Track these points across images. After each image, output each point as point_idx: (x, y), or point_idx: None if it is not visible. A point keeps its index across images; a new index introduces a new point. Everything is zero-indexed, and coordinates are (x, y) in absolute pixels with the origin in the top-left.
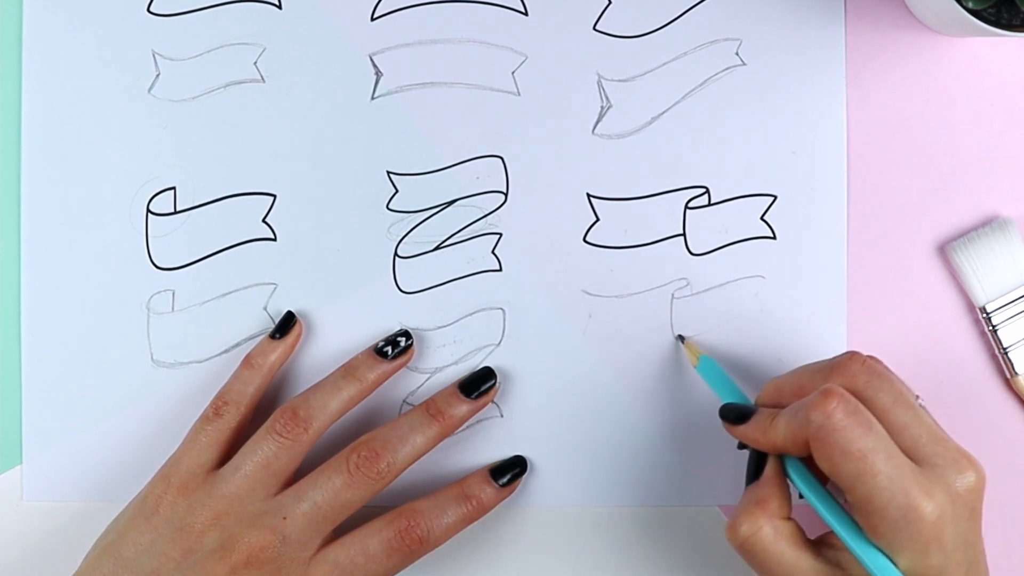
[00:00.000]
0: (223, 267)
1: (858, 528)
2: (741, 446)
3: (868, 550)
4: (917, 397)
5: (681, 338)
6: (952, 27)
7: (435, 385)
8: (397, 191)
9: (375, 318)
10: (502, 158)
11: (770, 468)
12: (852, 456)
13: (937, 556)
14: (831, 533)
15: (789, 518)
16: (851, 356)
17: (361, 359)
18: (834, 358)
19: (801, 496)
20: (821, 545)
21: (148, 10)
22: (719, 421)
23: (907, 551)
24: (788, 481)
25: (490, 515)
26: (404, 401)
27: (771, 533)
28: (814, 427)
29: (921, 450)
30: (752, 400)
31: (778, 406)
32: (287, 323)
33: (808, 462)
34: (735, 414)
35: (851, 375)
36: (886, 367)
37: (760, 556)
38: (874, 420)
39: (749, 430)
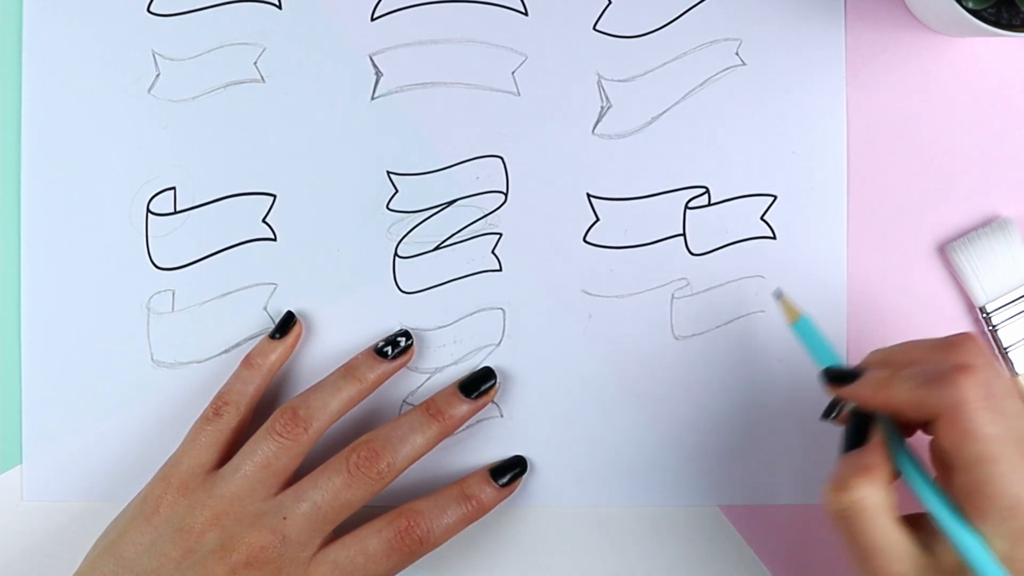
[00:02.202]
0: (223, 267)
1: (955, 511)
2: (825, 415)
3: (965, 534)
4: None
5: (779, 294)
6: (952, 27)
7: (435, 385)
8: (397, 191)
9: (375, 318)
10: (502, 158)
11: (878, 436)
12: (980, 439)
13: None
14: (921, 516)
15: (891, 486)
16: (967, 336)
17: (361, 359)
18: (949, 336)
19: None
20: (915, 523)
21: (148, 10)
22: (718, 422)
23: (1004, 541)
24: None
25: (490, 515)
26: (404, 401)
27: (876, 503)
28: (947, 402)
29: None
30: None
31: None
32: (287, 323)
33: (901, 428)
34: (843, 373)
35: (969, 356)
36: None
37: (859, 526)
38: (1006, 409)
39: (860, 387)
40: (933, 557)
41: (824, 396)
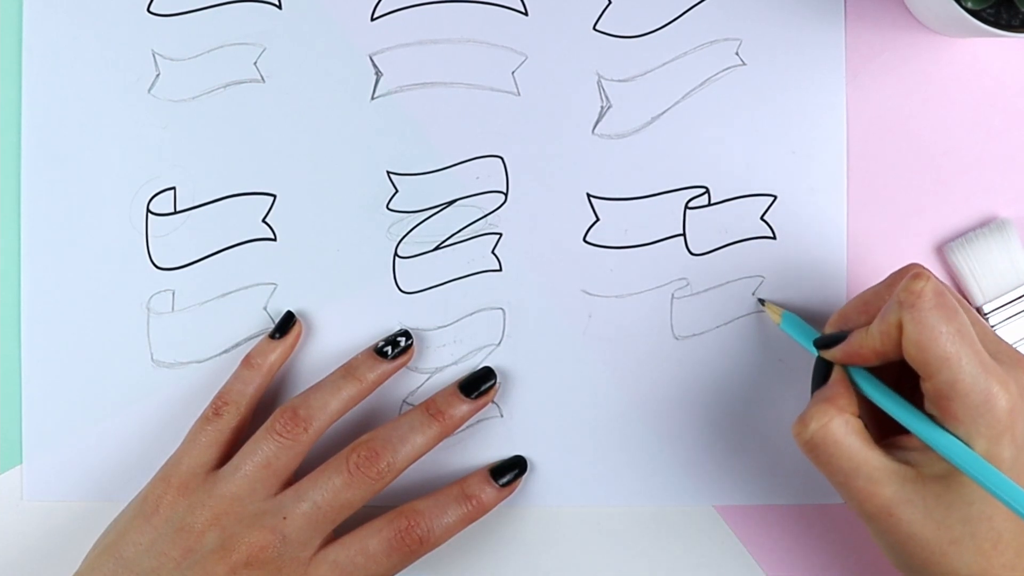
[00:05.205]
0: (223, 267)
1: (929, 422)
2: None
3: (944, 436)
4: None
5: (761, 301)
6: (952, 27)
7: (435, 385)
8: (397, 191)
9: (375, 318)
10: (502, 158)
11: (837, 372)
12: (940, 339)
13: (1009, 448)
14: (898, 436)
15: (858, 416)
16: (914, 264)
17: (361, 359)
18: (897, 270)
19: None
20: (889, 446)
21: (148, 10)
22: (717, 421)
23: (982, 439)
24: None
25: (490, 515)
26: (404, 401)
27: (841, 426)
28: (906, 308)
29: (987, 346)
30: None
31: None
32: (287, 323)
33: (875, 371)
34: (831, 339)
35: (916, 269)
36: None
37: (830, 450)
38: (959, 307)
39: (848, 345)
40: (916, 469)
41: None
